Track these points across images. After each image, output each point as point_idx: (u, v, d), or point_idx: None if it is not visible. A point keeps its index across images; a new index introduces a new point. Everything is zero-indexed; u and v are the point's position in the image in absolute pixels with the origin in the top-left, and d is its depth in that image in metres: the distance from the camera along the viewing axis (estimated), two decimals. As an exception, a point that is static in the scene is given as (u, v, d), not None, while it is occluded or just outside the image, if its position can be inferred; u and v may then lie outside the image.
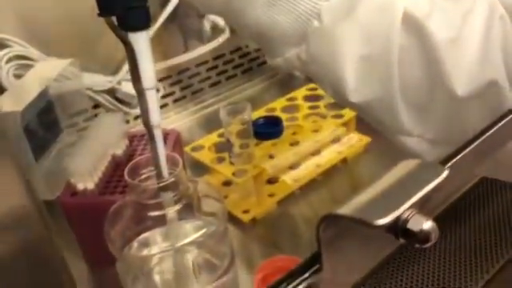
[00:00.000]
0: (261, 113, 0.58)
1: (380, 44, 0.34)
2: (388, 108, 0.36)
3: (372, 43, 0.35)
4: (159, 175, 0.33)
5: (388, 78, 0.35)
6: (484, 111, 0.35)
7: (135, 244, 0.35)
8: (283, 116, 0.56)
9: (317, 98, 0.60)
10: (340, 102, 0.40)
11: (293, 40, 0.37)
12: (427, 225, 0.15)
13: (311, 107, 0.58)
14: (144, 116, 0.33)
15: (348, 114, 0.56)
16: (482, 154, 0.19)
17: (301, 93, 0.61)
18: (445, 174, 0.16)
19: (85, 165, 0.43)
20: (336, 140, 0.58)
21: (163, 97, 0.67)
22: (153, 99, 0.33)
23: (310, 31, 0.36)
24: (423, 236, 0.15)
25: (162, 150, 0.33)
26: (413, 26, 0.34)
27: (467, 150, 0.18)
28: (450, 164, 0.17)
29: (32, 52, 0.52)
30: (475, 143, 0.18)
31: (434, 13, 0.34)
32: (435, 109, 0.36)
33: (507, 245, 0.43)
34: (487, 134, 0.18)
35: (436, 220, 0.20)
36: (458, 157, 0.17)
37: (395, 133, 0.38)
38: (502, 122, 0.19)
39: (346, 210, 0.15)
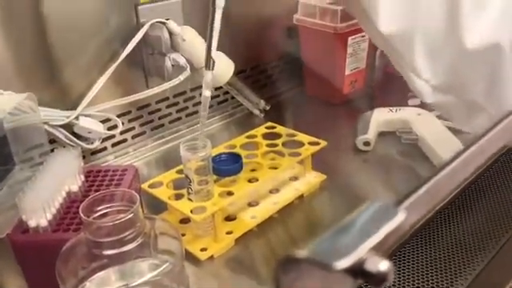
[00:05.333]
0: (220, 149, 0.58)
1: None
2: (408, 45, 0.43)
3: None
4: (209, 54, 0.46)
5: (414, 19, 0.42)
6: (483, 72, 0.40)
7: (88, 284, 0.34)
8: (243, 153, 0.57)
9: (275, 136, 0.61)
10: (371, 33, 0.48)
11: None
12: (383, 265, 0.15)
13: (270, 145, 0.59)
14: None
15: (305, 152, 0.57)
16: (440, 191, 0.20)
17: (260, 131, 0.62)
18: (401, 216, 0.17)
19: (37, 201, 0.42)
20: (293, 177, 0.59)
21: (122, 132, 0.66)
22: None
23: None
24: (380, 277, 0.15)
25: (217, 31, 0.45)
26: None
27: (423, 188, 0.19)
28: (405, 204, 0.18)
29: (-13, 85, 0.51)
30: (431, 181, 0.19)
31: None
32: (445, 57, 0.42)
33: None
34: (445, 169, 0.19)
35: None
36: (413, 197, 0.18)
37: (409, 72, 0.45)
38: (456, 162, 0.20)
39: (305, 252, 0.15)
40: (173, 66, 0.63)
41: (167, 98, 0.70)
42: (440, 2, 0.41)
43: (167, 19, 0.62)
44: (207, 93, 0.48)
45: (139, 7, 0.62)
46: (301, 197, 0.57)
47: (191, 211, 0.48)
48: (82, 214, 0.33)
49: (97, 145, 0.63)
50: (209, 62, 0.47)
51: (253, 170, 0.56)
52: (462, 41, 0.40)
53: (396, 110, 0.71)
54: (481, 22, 0.40)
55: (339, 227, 0.15)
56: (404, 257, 0.47)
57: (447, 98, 0.44)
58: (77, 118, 0.58)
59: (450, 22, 0.41)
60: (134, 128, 0.68)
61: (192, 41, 0.63)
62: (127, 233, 0.33)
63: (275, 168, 0.55)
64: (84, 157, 0.62)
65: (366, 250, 0.14)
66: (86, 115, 0.60)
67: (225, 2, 0.45)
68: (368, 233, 0.15)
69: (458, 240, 0.49)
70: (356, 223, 0.15)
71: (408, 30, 0.43)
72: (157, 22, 0.62)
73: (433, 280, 0.44)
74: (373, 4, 0.44)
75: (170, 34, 0.62)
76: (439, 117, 0.66)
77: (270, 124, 0.64)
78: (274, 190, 0.58)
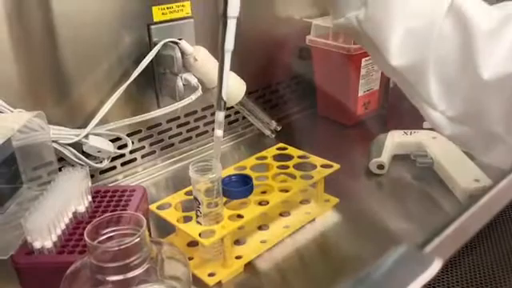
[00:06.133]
0: (230, 171, 0.57)
1: (424, 23, 0.42)
2: (421, 78, 0.43)
3: (418, 20, 0.42)
4: (220, 96, 0.46)
5: (425, 52, 0.42)
6: (501, 102, 0.39)
7: (91, 309, 0.33)
8: (253, 174, 0.56)
9: (286, 157, 0.60)
10: (381, 65, 0.47)
11: (355, 5, 0.45)
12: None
13: (281, 167, 0.58)
14: (221, 41, 0.44)
15: (317, 175, 0.56)
16: (471, 228, 0.18)
17: (271, 152, 0.61)
18: (437, 265, 0.15)
19: (43, 222, 0.41)
20: (305, 201, 0.58)
21: (131, 151, 0.65)
22: (232, 27, 0.43)
23: (370, 0, 0.44)
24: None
25: (227, 73, 0.45)
26: (457, 15, 0.40)
27: (451, 227, 0.17)
28: (434, 244, 0.16)
29: (-3, 102, 0.51)
30: (461, 218, 0.17)
31: (481, 4, 0.40)
32: (461, 88, 0.41)
33: None
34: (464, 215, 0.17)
35: None
36: (441, 236, 0.16)
37: (423, 103, 0.44)
38: (488, 196, 0.18)
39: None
40: (184, 85, 0.62)
41: (178, 118, 0.70)
42: (453, 33, 0.41)
43: (180, 39, 0.62)
44: (219, 132, 0.47)
45: (152, 27, 0.62)
46: (313, 221, 0.56)
47: (200, 234, 0.46)
48: (86, 238, 0.32)
49: (106, 164, 0.62)
50: (220, 103, 0.46)
51: (263, 193, 0.54)
52: (478, 71, 0.39)
53: (411, 133, 0.69)
54: (497, 52, 0.39)
55: (363, 277, 0.13)
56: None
57: (464, 129, 0.43)
58: (86, 136, 0.58)
59: (464, 53, 0.40)
60: (143, 147, 0.67)
61: (204, 61, 0.62)
62: (133, 258, 0.32)
63: (286, 191, 0.54)
64: (93, 176, 0.62)
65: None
66: (95, 134, 0.59)
67: (233, 46, 0.44)
68: (399, 285, 0.13)
69: (481, 271, 0.47)
70: (383, 272, 0.14)
71: (421, 61, 0.42)
72: (169, 41, 0.62)
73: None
74: (383, 38, 0.43)
75: (183, 53, 0.61)
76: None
77: (281, 145, 0.63)
78: (285, 214, 0.56)
